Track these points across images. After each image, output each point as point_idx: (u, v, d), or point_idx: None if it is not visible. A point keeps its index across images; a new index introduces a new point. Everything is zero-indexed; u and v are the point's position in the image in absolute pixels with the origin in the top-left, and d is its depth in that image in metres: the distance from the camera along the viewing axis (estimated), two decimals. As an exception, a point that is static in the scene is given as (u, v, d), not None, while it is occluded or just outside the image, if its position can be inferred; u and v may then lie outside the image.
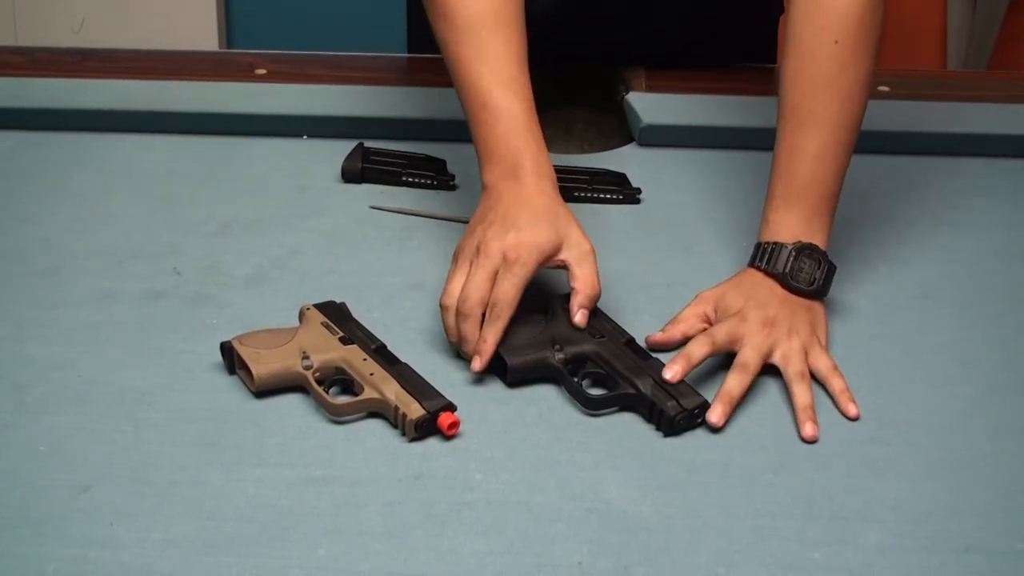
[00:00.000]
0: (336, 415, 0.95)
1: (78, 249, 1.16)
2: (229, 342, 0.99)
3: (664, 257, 1.18)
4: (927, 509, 0.89)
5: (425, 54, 1.53)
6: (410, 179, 1.27)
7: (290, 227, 1.21)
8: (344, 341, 1.00)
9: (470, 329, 1.01)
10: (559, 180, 1.11)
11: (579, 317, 1.03)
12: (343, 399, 0.97)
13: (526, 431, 0.95)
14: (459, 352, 1.03)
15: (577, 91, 1.42)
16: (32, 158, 1.31)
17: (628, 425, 0.97)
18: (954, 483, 0.92)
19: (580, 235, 1.04)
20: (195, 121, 1.35)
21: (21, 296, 1.10)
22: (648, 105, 1.36)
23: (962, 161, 1.35)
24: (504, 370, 0.99)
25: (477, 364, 1.00)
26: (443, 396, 0.95)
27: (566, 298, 1.05)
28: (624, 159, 1.35)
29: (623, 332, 1.03)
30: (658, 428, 0.96)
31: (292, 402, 0.97)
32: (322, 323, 1.02)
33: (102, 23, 2.87)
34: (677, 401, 0.95)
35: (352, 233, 1.20)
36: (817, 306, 1.08)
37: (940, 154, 1.36)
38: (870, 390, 1.01)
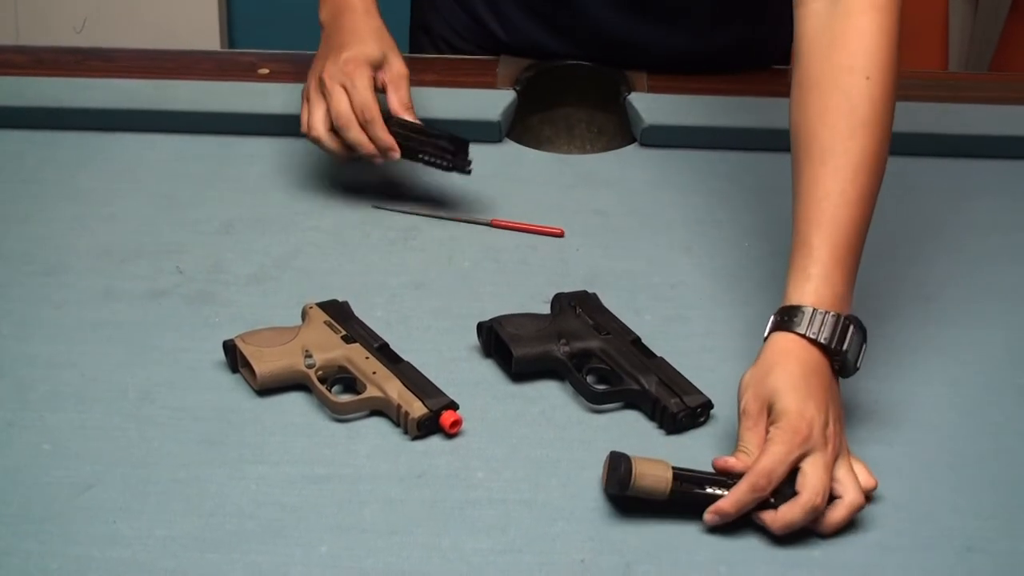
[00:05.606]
0: (338, 413, 0.95)
1: (80, 248, 1.17)
2: (232, 340, 0.99)
3: (666, 258, 1.18)
4: (928, 508, 0.90)
5: (428, 53, 1.53)
6: (426, 157, 1.21)
7: (293, 226, 1.21)
8: (347, 340, 1.00)
9: (356, 135, 1.14)
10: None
11: (398, 107, 1.18)
12: (345, 397, 0.97)
13: (528, 429, 0.96)
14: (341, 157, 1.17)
15: (580, 91, 1.42)
16: (34, 157, 1.31)
17: (630, 424, 0.97)
18: (956, 483, 0.92)
19: (399, 59, 1.20)
20: (198, 120, 1.35)
21: (24, 295, 1.10)
22: (650, 106, 1.36)
23: (964, 162, 1.35)
24: (509, 361, 0.99)
25: (394, 155, 1.15)
26: (445, 395, 0.95)
27: (573, 295, 1.06)
28: (626, 159, 1.35)
29: (629, 331, 1.03)
30: (661, 425, 0.96)
31: (294, 400, 0.98)
32: (325, 322, 1.02)
33: (104, 23, 2.87)
34: (680, 399, 0.95)
35: (355, 232, 1.20)
36: (836, 387, 0.93)
37: (942, 155, 1.36)
38: (871, 390, 1.01)
